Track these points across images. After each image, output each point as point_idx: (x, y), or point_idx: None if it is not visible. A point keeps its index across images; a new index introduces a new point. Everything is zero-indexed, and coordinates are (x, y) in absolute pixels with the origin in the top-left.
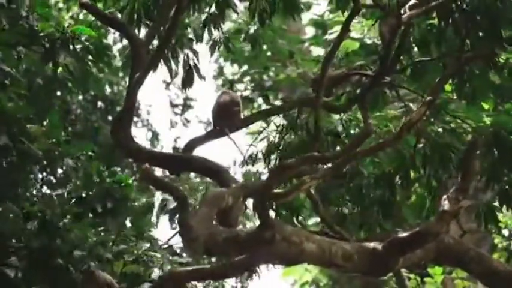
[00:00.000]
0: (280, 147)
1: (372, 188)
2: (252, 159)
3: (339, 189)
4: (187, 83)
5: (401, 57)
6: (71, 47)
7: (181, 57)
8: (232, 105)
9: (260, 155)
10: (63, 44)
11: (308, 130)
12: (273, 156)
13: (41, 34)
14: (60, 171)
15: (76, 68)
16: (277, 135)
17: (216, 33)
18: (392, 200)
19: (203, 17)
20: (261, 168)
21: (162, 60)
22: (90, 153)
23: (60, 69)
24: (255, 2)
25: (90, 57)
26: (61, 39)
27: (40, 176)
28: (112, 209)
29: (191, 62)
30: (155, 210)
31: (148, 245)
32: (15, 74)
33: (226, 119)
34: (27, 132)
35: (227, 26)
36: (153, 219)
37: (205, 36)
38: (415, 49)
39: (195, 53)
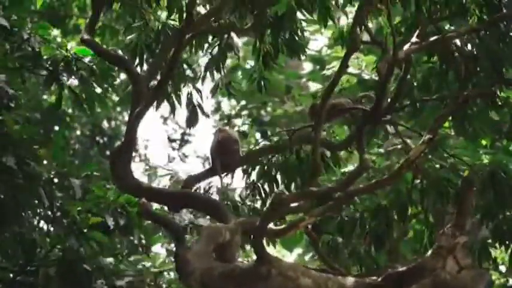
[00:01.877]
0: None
1: (367, 221)
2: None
3: (333, 221)
4: (191, 121)
5: (400, 95)
6: (75, 68)
7: (183, 94)
8: (231, 143)
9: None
10: (66, 66)
11: (298, 154)
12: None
13: (44, 57)
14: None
15: (82, 91)
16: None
17: (217, 75)
18: (387, 234)
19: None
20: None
21: (164, 97)
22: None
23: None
24: (259, 45)
25: (93, 79)
26: (64, 61)
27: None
28: (122, 226)
29: (195, 101)
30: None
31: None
32: (19, 97)
33: (225, 157)
34: (34, 154)
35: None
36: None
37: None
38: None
39: (198, 91)
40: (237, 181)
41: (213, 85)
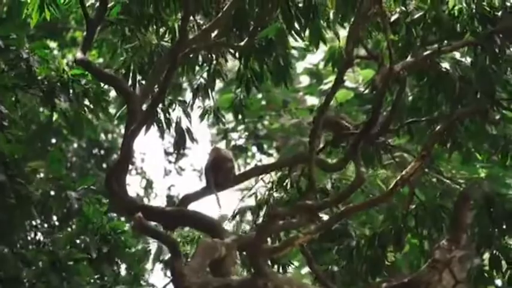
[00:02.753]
0: (269, 203)
1: (363, 248)
2: (240, 215)
3: (330, 250)
4: (179, 145)
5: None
6: (70, 90)
7: (173, 117)
8: (225, 162)
9: (249, 212)
10: (62, 87)
11: (299, 188)
12: (261, 213)
13: (39, 77)
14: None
15: (72, 114)
16: (267, 192)
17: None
18: (383, 260)
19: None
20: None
21: (153, 120)
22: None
23: (55, 116)
24: (242, 71)
25: (87, 101)
26: (60, 82)
27: (34, 223)
28: (107, 255)
29: (183, 126)
30: (151, 257)
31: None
32: (13, 116)
33: (218, 176)
34: (25, 174)
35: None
36: (149, 266)
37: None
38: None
39: (188, 115)
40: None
41: (203, 116)
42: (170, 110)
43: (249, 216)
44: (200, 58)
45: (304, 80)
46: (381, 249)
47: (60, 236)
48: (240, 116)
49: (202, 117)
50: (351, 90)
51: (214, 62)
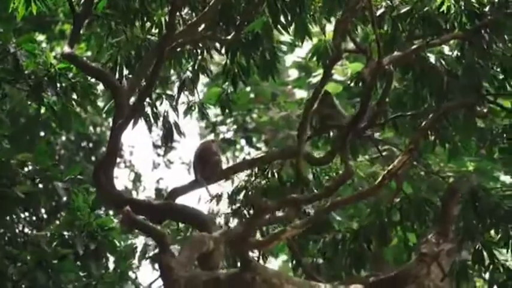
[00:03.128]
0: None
1: (348, 241)
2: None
3: (315, 242)
4: (166, 140)
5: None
6: (58, 84)
7: (161, 111)
8: (212, 156)
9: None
10: (50, 81)
11: (280, 176)
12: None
13: (26, 72)
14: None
15: (60, 108)
16: (246, 178)
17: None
18: (367, 254)
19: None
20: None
21: (140, 114)
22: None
23: (43, 110)
24: (228, 66)
25: (75, 95)
26: (48, 76)
27: (23, 215)
28: (95, 251)
29: (171, 120)
30: (137, 254)
31: (133, 287)
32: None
33: (205, 169)
34: (11, 171)
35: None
36: (135, 262)
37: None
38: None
39: (175, 109)
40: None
41: (187, 111)
42: (157, 104)
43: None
44: (186, 52)
45: (293, 73)
46: (366, 242)
47: (46, 232)
48: (227, 111)
49: (186, 112)
50: (340, 84)
51: (200, 57)
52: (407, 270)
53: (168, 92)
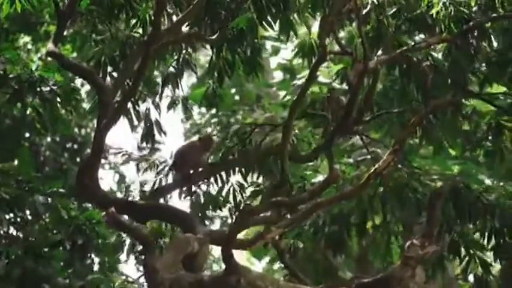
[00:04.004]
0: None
1: (328, 226)
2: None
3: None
4: (147, 138)
5: (369, 106)
6: (38, 89)
7: (142, 110)
8: (192, 154)
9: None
10: (30, 86)
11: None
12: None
13: (10, 76)
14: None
15: (44, 110)
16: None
17: (176, 91)
18: (346, 239)
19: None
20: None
21: (123, 113)
22: (61, 190)
23: (29, 111)
24: (214, 62)
25: (58, 99)
26: (29, 81)
27: (8, 216)
28: (82, 246)
29: (152, 118)
30: (125, 247)
31: (123, 277)
32: None
33: (186, 167)
34: None
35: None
36: (123, 257)
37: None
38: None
39: (157, 108)
40: None
41: (171, 106)
42: (140, 103)
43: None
44: (170, 47)
45: (278, 75)
46: (345, 227)
47: (34, 229)
48: (213, 107)
49: (170, 107)
50: (325, 86)
51: (184, 51)
52: (391, 273)
53: (151, 90)
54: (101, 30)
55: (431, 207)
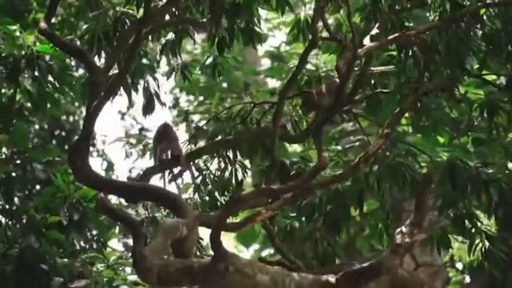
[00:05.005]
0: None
1: (324, 205)
2: None
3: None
4: (147, 110)
5: (360, 90)
6: (36, 67)
7: (141, 85)
8: (169, 131)
9: None
10: (28, 63)
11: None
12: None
13: (3, 54)
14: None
15: (36, 92)
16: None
17: (173, 61)
18: (343, 217)
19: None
20: None
21: (121, 88)
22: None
23: (18, 96)
24: (215, 31)
25: (51, 78)
26: (26, 58)
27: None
28: (78, 222)
29: (151, 89)
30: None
31: (118, 253)
32: None
33: (166, 144)
34: None
35: (183, 57)
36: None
37: (162, 66)
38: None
39: (155, 79)
40: None
41: (169, 74)
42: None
43: None
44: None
45: (265, 63)
46: (342, 206)
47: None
48: (214, 76)
49: (169, 75)
50: (313, 73)
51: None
52: (381, 261)
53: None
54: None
55: (419, 195)
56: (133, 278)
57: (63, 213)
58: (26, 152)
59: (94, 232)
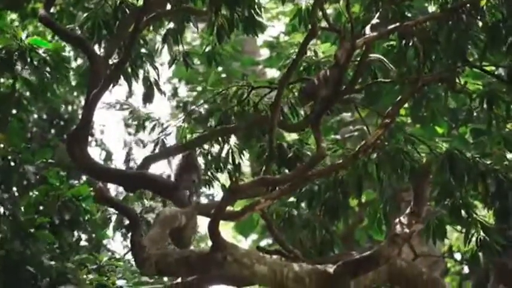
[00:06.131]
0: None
1: (323, 192)
2: None
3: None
4: (147, 98)
5: (360, 79)
6: (29, 59)
7: (141, 74)
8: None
9: None
10: (20, 55)
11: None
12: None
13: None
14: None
15: (34, 81)
16: None
17: (174, 49)
18: (343, 204)
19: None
20: None
21: (122, 77)
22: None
23: (18, 86)
24: (214, 19)
25: (48, 69)
26: (19, 50)
27: None
28: (69, 221)
29: (151, 78)
30: (112, 224)
31: (109, 254)
32: None
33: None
34: None
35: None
36: (110, 232)
37: (161, 55)
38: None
39: (155, 68)
40: None
41: (171, 62)
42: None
43: None
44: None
45: (264, 53)
46: (342, 194)
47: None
48: (214, 62)
49: (171, 63)
50: (312, 63)
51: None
52: (379, 251)
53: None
54: None
55: (417, 185)
56: (122, 282)
57: (55, 212)
58: (20, 152)
59: (87, 232)
